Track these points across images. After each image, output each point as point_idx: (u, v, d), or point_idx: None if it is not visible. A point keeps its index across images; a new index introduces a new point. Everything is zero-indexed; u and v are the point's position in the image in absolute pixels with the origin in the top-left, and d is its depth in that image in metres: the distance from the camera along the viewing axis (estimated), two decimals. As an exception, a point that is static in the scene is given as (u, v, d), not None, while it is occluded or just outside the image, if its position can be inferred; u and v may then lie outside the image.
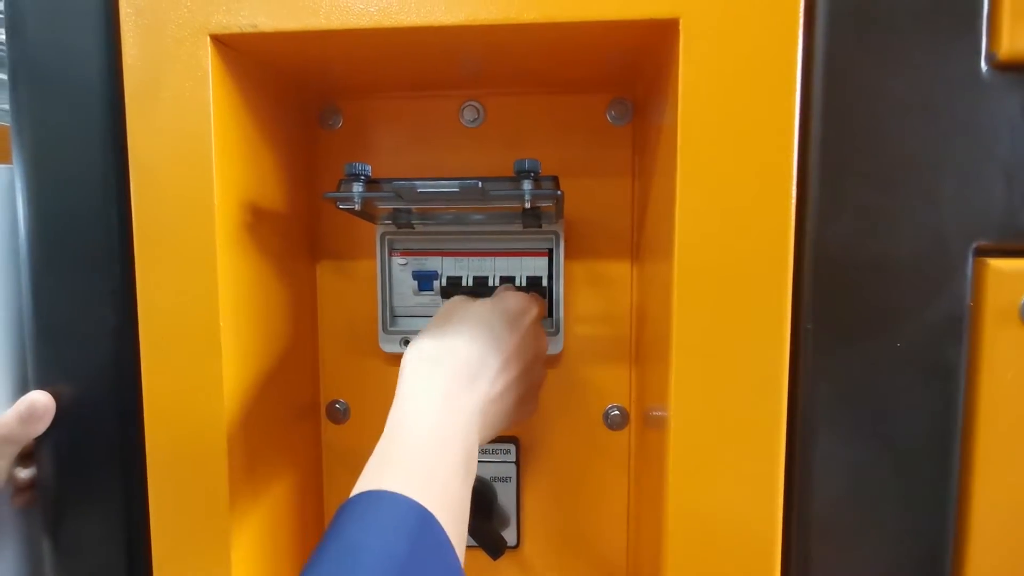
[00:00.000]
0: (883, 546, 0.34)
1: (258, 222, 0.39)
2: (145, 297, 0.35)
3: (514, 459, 0.47)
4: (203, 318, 0.35)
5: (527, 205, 0.34)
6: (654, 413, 0.39)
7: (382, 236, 0.46)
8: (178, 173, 0.34)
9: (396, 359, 0.48)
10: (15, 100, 0.37)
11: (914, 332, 0.32)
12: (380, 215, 0.43)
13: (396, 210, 0.43)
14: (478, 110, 0.46)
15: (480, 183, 0.33)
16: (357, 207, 0.35)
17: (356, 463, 0.50)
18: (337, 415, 0.49)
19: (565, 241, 0.45)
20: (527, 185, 0.33)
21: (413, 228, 0.45)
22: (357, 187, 0.34)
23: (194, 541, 0.36)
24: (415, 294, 0.46)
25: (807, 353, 0.33)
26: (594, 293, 0.47)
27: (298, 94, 0.45)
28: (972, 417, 0.33)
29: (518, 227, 0.44)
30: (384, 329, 0.47)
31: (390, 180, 0.35)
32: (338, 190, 0.35)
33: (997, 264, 0.32)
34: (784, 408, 0.32)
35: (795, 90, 0.31)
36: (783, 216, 0.31)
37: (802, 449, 0.34)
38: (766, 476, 0.33)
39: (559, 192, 0.34)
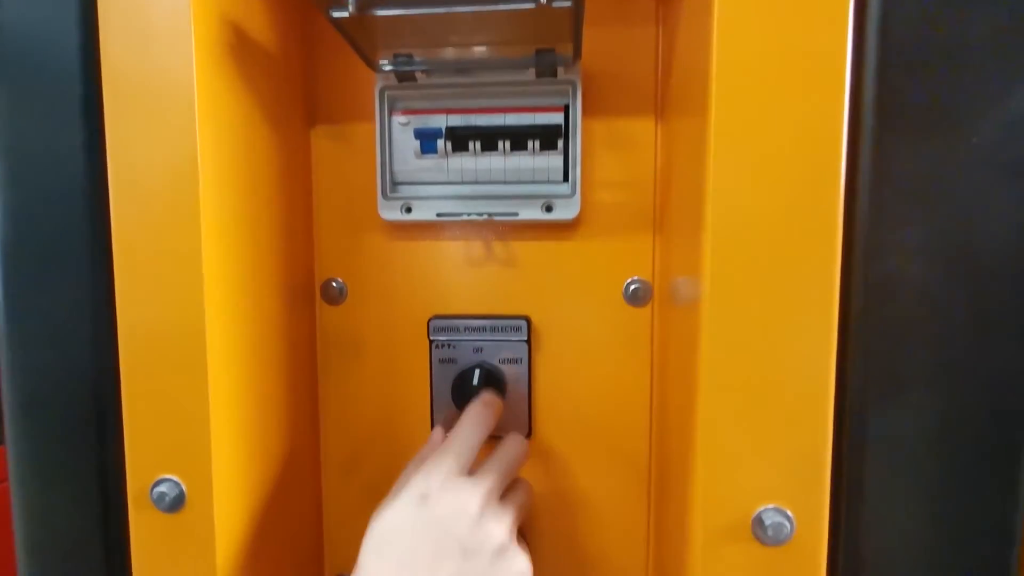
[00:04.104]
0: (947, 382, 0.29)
1: (244, 51, 0.35)
2: (115, 145, 0.31)
3: (525, 338, 0.43)
4: (179, 173, 0.31)
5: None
6: (683, 286, 0.35)
7: (381, 91, 0.42)
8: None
9: (397, 230, 0.44)
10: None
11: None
12: (379, 54, 0.39)
13: (396, 56, 0.39)
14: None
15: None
16: (351, 9, 0.30)
17: (353, 347, 0.46)
18: (333, 294, 0.45)
19: (583, 96, 0.41)
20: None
21: (415, 81, 0.41)
22: (350, -18, 0.30)
23: (172, 438, 0.33)
24: (417, 157, 0.42)
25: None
26: (614, 154, 0.42)
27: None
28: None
29: (531, 77, 0.40)
30: (384, 195, 0.43)
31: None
32: (329, -11, 0.31)
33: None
34: (838, 270, 0.28)
35: None
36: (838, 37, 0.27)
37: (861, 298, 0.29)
38: (817, 339, 0.28)
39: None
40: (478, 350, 0.44)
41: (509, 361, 0.44)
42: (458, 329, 0.44)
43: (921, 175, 0.28)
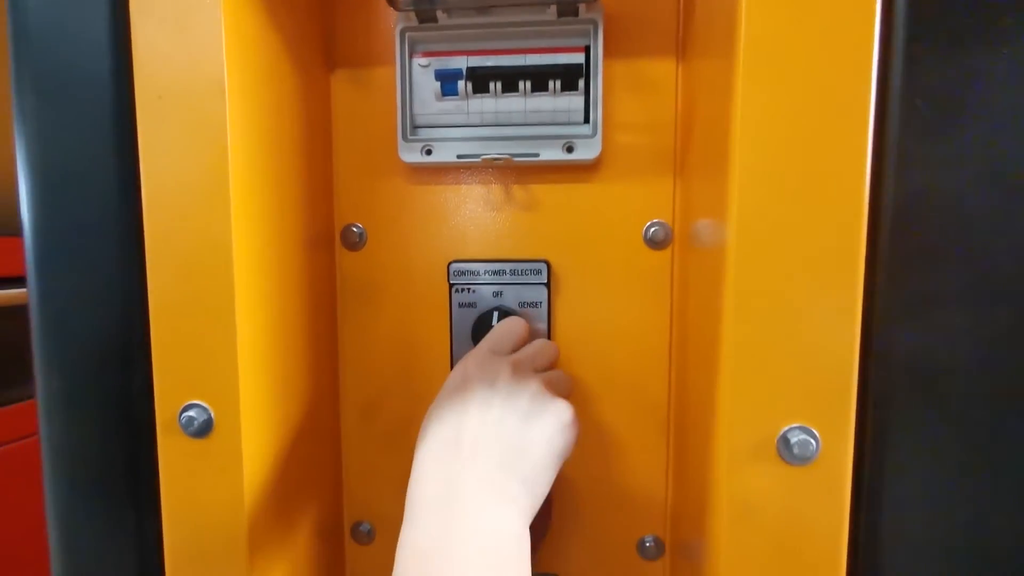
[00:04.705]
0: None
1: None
2: (144, 85, 0.32)
3: (545, 281, 0.43)
4: (208, 115, 0.31)
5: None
6: (704, 231, 0.35)
7: (402, 32, 0.42)
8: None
9: (416, 174, 0.45)
10: None
11: None
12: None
13: (418, -6, 0.39)
14: None
15: None
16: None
17: (373, 293, 0.46)
18: (353, 240, 0.46)
19: (604, 36, 0.40)
20: None
21: (436, 21, 0.41)
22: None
23: (200, 365, 0.33)
24: (438, 99, 0.42)
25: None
26: (635, 95, 0.42)
27: None
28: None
29: (552, 17, 0.40)
30: (404, 138, 0.43)
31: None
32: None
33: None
34: (866, 187, 0.28)
35: None
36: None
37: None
38: (844, 258, 0.28)
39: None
40: (498, 294, 0.44)
41: (529, 304, 0.44)
42: (478, 273, 0.44)
43: (952, 88, 0.28)
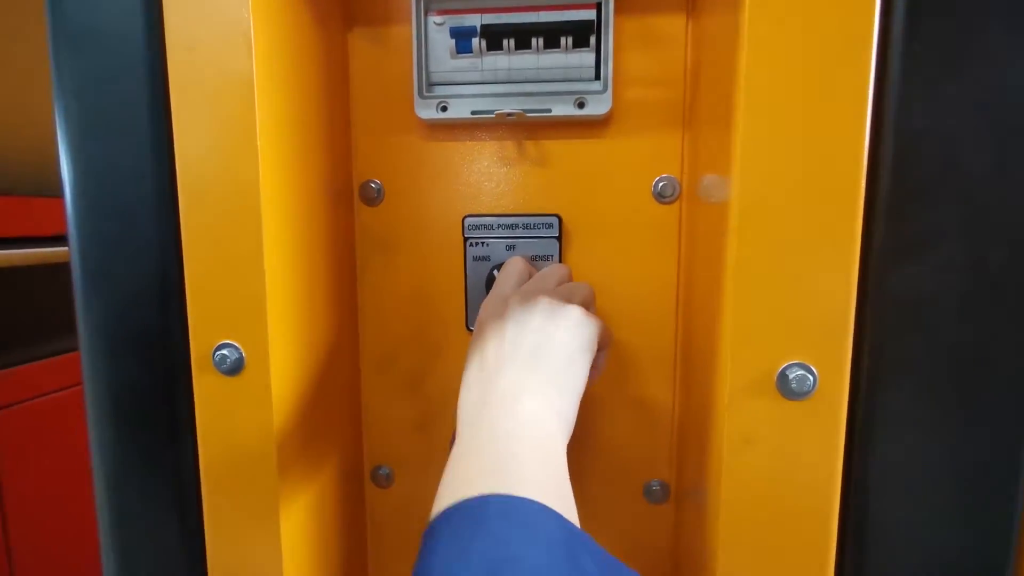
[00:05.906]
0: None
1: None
2: (175, 45, 0.33)
3: (556, 235, 0.45)
4: (237, 77, 0.33)
5: None
6: (711, 184, 0.36)
7: (417, -10, 0.43)
8: None
9: (432, 131, 0.46)
10: None
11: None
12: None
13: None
14: None
15: None
16: None
17: (390, 247, 0.48)
18: (371, 195, 0.47)
19: (615, -8, 0.41)
20: None
21: (451, -22, 0.42)
22: None
23: (232, 307, 0.35)
24: (453, 57, 0.43)
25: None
26: (645, 52, 0.43)
27: None
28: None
29: (565, -27, 0.41)
30: (420, 95, 0.44)
31: None
32: None
33: None
34: (866, 132, 0.29)
35: None
36: None
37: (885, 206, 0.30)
38: (843, 202, 0.29)
39: None
40: (511, 247, 0.45)
41: (541, 257, 0.45)
42: (492, 227, 0.45)
43: (951, 33, 0.28)
